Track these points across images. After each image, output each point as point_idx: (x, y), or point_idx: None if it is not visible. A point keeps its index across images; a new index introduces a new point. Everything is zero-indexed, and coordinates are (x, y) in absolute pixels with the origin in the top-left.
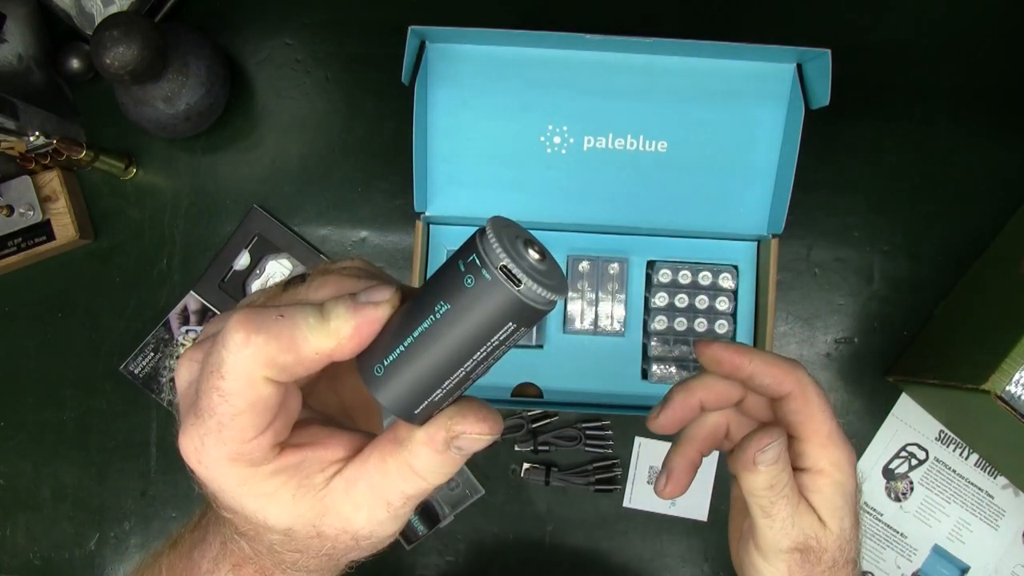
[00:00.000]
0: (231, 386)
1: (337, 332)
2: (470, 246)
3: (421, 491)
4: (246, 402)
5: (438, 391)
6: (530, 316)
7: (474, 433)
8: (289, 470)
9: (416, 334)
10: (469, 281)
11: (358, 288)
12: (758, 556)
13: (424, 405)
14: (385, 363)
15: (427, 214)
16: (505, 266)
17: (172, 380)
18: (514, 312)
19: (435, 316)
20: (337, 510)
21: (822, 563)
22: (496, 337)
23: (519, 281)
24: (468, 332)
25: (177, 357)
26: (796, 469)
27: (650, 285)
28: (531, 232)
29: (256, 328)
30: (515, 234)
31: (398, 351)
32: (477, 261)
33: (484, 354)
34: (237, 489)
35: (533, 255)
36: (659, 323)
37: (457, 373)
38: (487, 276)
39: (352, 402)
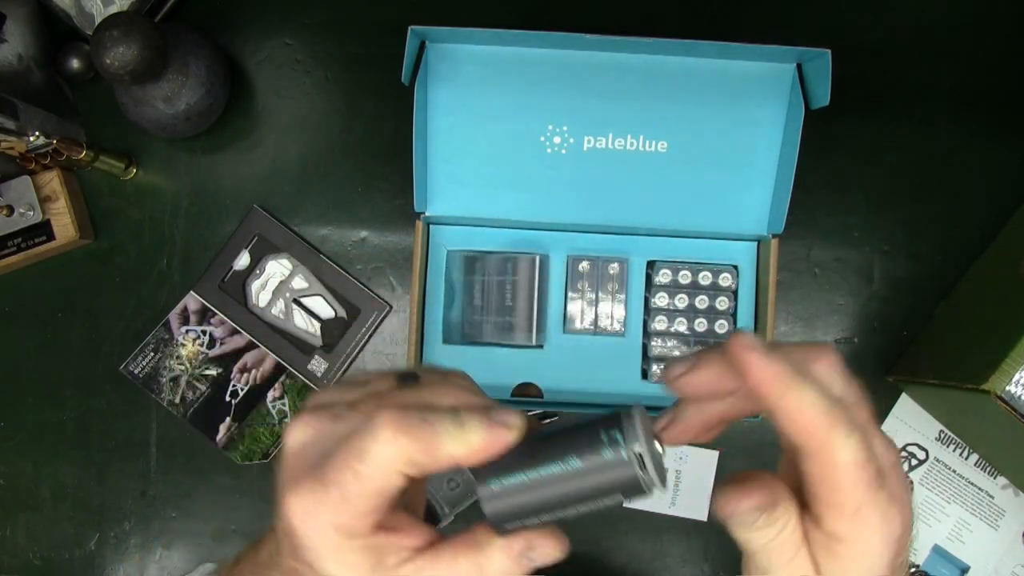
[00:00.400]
0: (368, 472)
1: (471, 443)
2: (615, 422)
3: None
4: (375, 487)
5: (535, 519)
6: (635, 493)
7: (550, 550)
8: (374, 548)
9: (542, 472)
10: (606, 452)
11: (483, 404)
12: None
13: (518, 524)
14: (503, 481)
15: (427, 214)
16: (640, 454)
17: (172, 380)
18: (629, 488)
19: (565, 465)
20: None
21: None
22: (604, 499)
23: (645, 469)
24: (586, 488)
25: (177, 357)
26: (810, 517)
27: (650, 285)
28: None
29: (404, 429)
30: (651, 427)
31: (519, 478)
32: (621, 440)
33: (587, 507)
34: (327, 552)
35: (659, 450)
36: (659, 323)
37: (559, 512)
38: (624, 456)
39: (416, 496)
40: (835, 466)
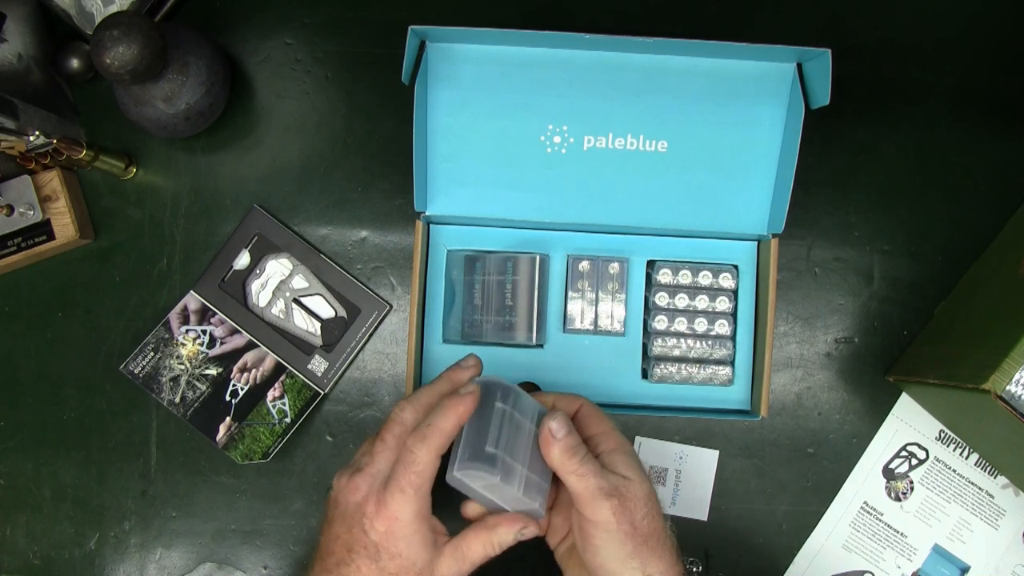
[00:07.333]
0: (421, 468)
1: (458, 413)
2: None
3: (487, 555)
4: (429, 475)
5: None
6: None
7: (535, 530)
8: (432, 528)
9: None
10: None
11: (449, 390)
12: (585, 521)
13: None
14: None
15: (427, 214)
16: None
17: (172, 380)
18: None
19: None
20: (443, 558)
21: (639, 510)
22: None
23: None
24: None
25: (177, 357)
26: (597, 455)
27: (650, 285)
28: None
29: (424, 435)
30: None
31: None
32: None
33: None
34: (412, 534)
35: None
36: (659, 323)
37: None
38: None
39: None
40: (591, 411)
